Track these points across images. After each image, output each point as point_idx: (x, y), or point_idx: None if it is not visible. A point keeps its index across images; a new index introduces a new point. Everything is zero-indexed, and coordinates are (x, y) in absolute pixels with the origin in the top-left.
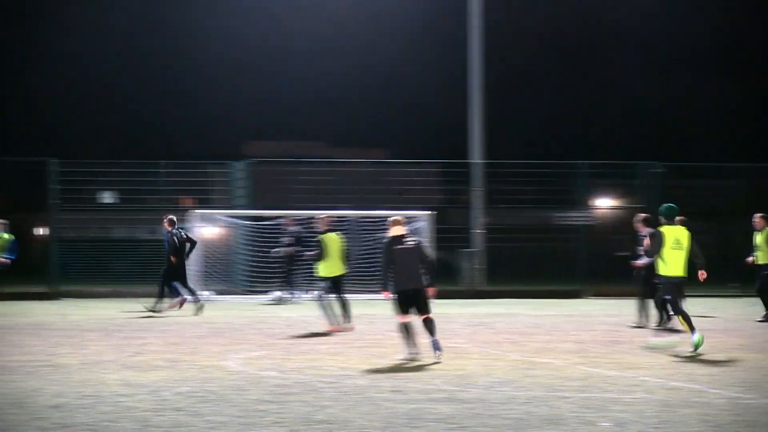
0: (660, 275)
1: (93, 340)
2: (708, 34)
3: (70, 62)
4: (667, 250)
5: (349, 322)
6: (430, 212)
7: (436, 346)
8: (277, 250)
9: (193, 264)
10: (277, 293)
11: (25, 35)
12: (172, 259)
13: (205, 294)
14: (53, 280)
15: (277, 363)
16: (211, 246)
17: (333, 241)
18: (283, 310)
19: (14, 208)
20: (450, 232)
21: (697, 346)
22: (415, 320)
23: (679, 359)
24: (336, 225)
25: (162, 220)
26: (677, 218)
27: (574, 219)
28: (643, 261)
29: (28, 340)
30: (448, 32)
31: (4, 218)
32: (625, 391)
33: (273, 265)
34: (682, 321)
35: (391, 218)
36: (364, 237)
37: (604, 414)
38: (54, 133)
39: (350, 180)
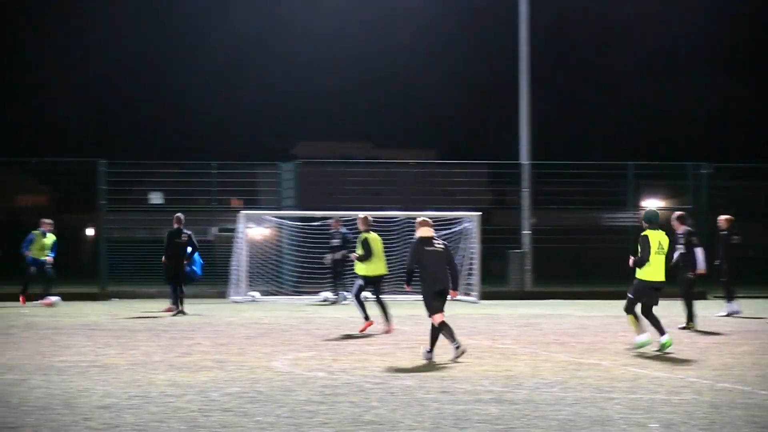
0: (638, 278)
1: (141, 340)
2: (758, 35)
3: (121, 63)
4: (652, 255)
5: (389, 323)
6: (477, 213)
7: (428, 357)
8: (327, 257)
9: (239, 264)
10: (325, 294)
11: (75, 37)
12: (163, 259)
13: (251, 294)
14: (102, 281)
15: (325, 364)
16: (258, 247)
17: (375, 240)
18: (330, 311)
19: (63, 209)
20: (498, 233)
21: (639, 345)
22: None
23: (727, 361)
24: (383, 226)
25: (211, 221)
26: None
27: (623, 220)
28: (702, 266)
29: (77, 340)
30: (496, 33)
31: (49, 219)
32: (674, 393)
33: (320, 266)
34: (632, 321)
35: (419, 219)
36: (411, 238)
37: (653, 415)
38: (103, 135)
39: (398, 181)
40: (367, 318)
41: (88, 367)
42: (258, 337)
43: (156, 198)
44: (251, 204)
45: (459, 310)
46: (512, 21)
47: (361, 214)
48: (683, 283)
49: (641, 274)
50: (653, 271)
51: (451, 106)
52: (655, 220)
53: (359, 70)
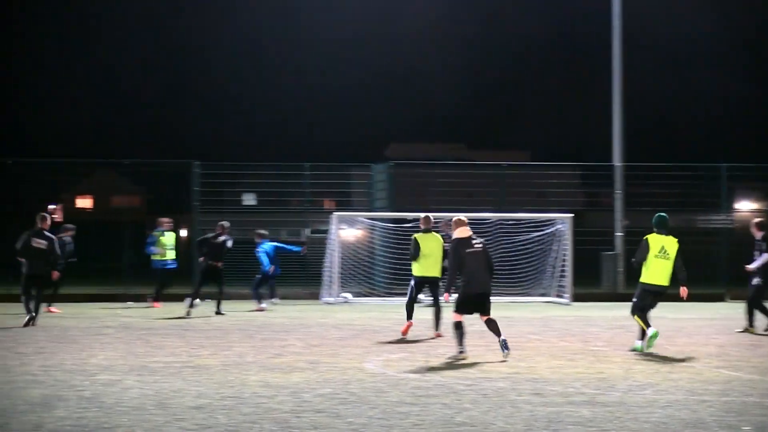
0: (639, 281)
1: (234, 341)
2: None
3: (216, 66)
4: (650, 258)
5: (437, 329)
6: (570, 215)
7: (505, 346)
8: None
9: (331, 266)
10: (418, 296)
11: (167, 40)
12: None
13: (343, 296)
14: (195, 282)
15: (417, 365)
16: (351, 248)
17: (427, 240)
18: (422, 313)
19: (157, 210)
20: (590, 235)
21: (651, 337)
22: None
23: None
24: (475, 228)
25: (304, 222)
26: None
27: (716, 222)
28: (754, 265)
29: (170, 341)
30: (589, 35)
31: (168, 218)
32: (767, 395)
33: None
34: (639, 321)
35: (455, 218)
36: (504, 240)
37: (746, 418)
38: (198, 136)
39: (490, 182)
40: (408, 318)
41: (181, 368)
42: (350, 339)
43: (249, 199)
44: (343, 205)
45: (551, 311)
46: (605, 21)
47: (423, 214)
48: (751, 288)
49: (642, 276)
50: (652, 274)
51: (545, 108)
52: (661, 225)
53: (452, 72)
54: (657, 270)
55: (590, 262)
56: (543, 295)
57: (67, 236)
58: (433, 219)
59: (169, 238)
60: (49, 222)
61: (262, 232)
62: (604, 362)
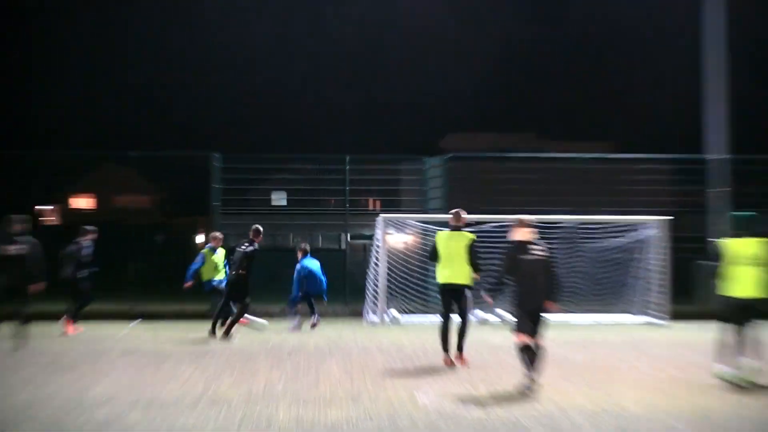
0: (723, 294)
1: (261, 367)
2: None
3: (250, 52)
4: (734, 266)
5: (460, 353)
6: (662, 217)
7: (529, 384)
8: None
9: (376, 278)
10: (477, 313)
11: (199, 37)
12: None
13: (390, 313)
14: (215, 297)
15: (476, 396)
16: (399, 256)
17: (448, 239)
18: (485, 333)
19: (170, 211)
20: (687, 241)
21: (719, 376)
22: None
23: None
24: (547, 232)
25: (343, 225)
26: None
27: None
28: None
29: (184, 367)
30: (680, 7)
31: (219, 233)
32: None
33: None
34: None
35: (518, 218)
36: (584, 247)
37: None
38: (219, 124)
39: (566, 178)
40: (444, 350)
41: (196, 401)
42: (398, 365)
43: (279, 199)
44: (391, 206)
45: (640, 333)
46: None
47: (453, 211)
48: None
49: (725, 289)
50: (736, 285)
51: (630, 91)
52: (743, 227)
53: (519, 52)
54: (742, 279)
55: (689, 273)
56: (631, 313)
57: (87, 240)
58: (465, 216)
59: (220, 256)
60: (25, 224)
61: (305, 246)
62: (699, 393)
